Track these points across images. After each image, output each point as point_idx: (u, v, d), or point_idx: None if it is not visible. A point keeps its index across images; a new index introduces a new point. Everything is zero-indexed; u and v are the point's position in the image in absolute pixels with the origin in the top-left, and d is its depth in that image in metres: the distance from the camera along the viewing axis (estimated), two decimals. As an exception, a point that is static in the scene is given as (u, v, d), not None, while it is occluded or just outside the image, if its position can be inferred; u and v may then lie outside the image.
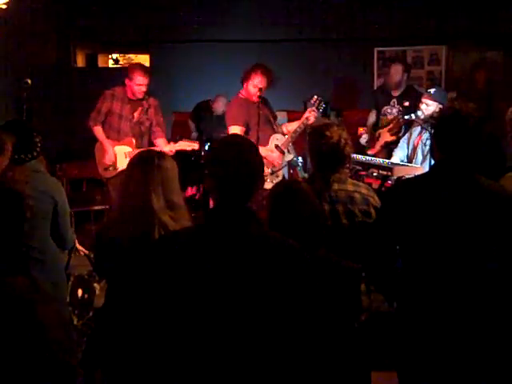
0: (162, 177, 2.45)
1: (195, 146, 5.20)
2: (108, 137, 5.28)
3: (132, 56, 9.36)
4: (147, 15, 7.53)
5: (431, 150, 2.36)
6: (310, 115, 4.79)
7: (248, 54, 6.07)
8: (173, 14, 7.51)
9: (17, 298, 1.81)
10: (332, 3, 7.36)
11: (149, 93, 5.29)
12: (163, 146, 5.17)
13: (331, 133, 2.84)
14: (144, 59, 8.39)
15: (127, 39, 7.93)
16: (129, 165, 2.57)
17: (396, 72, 5.60)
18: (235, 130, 4.71)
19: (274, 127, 4.90)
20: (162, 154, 2.56)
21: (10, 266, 2.95)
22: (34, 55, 6.96)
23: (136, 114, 5.24)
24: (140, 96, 5.20)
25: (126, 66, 8.93)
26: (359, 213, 2.80)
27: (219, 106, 6.74)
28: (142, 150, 3.27)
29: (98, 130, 5.28)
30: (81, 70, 8.20)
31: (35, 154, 3.17)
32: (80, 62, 8.51)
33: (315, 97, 4.97)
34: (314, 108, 4.86)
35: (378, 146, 5.42)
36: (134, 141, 5.22)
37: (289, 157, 4.92)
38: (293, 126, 4.98)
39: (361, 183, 3.08)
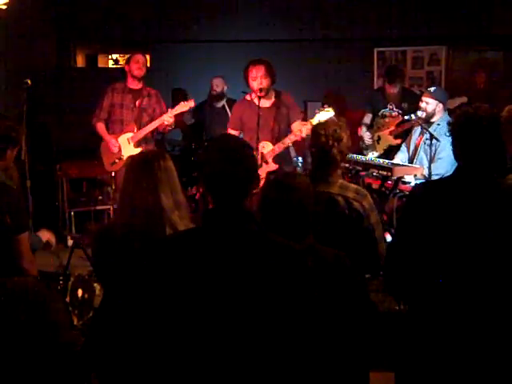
0: (168, 176, 2.48)
1: (191, 103, 5.29)
2: (113, 132, 5.38)
3: (132, 56, 9.36)
4: (147, 15, 7.54)
5: (454, 154, 2.33)
6: (303, 129, 4.46)
7: (248, 53, 6.04)
8: (173, 14, 7.52)
9: (30, 297, 1.81)
10: (332, 3, 7.36)
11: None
12: (157, 121, 5.22)
13: (325, 132, 2.86)
14: (144, 59, 8.40)
15: (127, 39, 7.94)
16: (133, 166, 2.57)
17: (393, 89, 5.61)
18: (230, 132, 4.76)
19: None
20: (163, 155, 2.58)
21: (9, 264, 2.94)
22: (34, 55, 6.96)
23: (138, 102, 5.33)
24: (139, 74, 5.30)
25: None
26: (339, 216, 2.80)
27: (215, 83, 6.51)
28: (144, 151, 3.31)
29: (100, 127, 5.40)
30: (81, 70, 8.20)
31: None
32: (80, 62, 8.52)
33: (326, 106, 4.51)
34: (307, 122, 4.50)
35: (380, 149, 5.42)
36: (135, 127, 5.30)
37: (272, 167, 4.59)
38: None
39: (351, 186, 2.98)
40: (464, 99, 6.80)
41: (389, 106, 5.68)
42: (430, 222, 2.21)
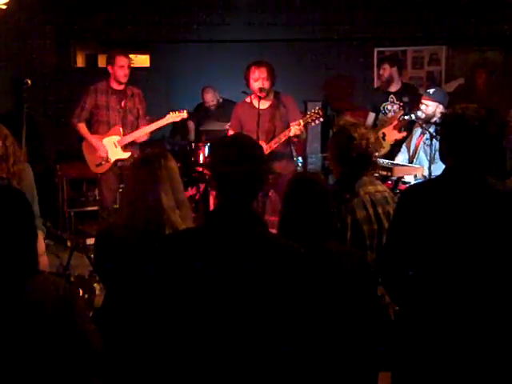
0: (170, 176, 2.49)
1: (184, 114, 5.18)
2: (98, 131, 5.31)
3: (132, 56, 9.35)
4: (147, 15, 7.53)
5: (441, 155, 2.33)
6: (292, 129, 4.44)
7: (248, 54, 6.05)
8: (173, 13, 7.51)
9: (61, 296, 1.85)
10: (332, 3, 7.36)
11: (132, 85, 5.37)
12: (147, 128, 5.18)
13: (360, 136, 2.76)
14: (144, 59, 8.39)
15: (127, 39, 7.93)
16: (134, 166, 2.59)
17: (384, 70, 5.66)
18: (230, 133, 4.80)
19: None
20: (165, 155, 2.58)
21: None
22: (34, 55, 6.95)
23: (123, 103, 5.27)
24: (124, 80, 5.22)
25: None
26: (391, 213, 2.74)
27: (208, 98, 6.74)
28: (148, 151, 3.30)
29: (83, 127, 5.35)
30: (81, 70, 8.19)
31: None
32: (80, 62, 8.51)
33: (317, 108, 4.48)
34: (298, 122, 4.45)
35: (387, 146, 5.41)
36: (121, 129, 5.25)
37: None
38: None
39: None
40: (461, 80, 6.78)
41: (389, 98, 5.71)
42: (419, 224, 2.21)
